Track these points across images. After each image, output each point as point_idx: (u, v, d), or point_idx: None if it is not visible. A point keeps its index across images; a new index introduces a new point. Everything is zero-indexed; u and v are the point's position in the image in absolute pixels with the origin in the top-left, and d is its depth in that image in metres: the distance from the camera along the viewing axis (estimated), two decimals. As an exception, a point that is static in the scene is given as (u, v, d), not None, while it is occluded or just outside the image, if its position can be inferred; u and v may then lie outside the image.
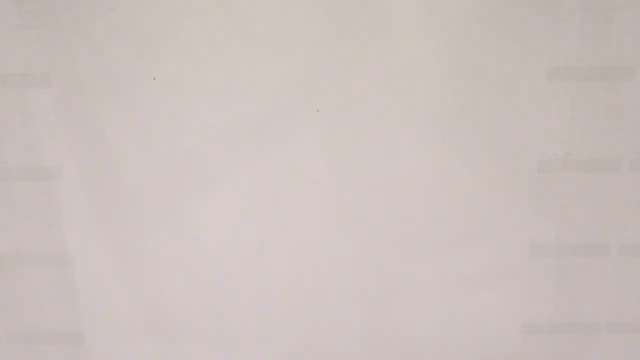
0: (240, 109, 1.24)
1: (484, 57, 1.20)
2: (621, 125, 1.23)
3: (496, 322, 1.38)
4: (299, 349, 1.42)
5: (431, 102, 1.23)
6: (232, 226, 1.33)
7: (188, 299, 1.38)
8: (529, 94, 1.22)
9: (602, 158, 1.25)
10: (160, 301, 1.39)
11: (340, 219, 1.32)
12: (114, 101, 1.24)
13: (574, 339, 1.39)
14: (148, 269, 1.36)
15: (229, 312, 1.39)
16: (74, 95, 1.24)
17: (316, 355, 1.42)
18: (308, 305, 1.38)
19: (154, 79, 1.22)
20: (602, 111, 1.22)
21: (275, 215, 1.32)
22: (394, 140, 1.25)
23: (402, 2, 1.17)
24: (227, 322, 1.40)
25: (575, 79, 1.20)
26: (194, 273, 1.37)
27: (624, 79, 1.20)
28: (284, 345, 1.42)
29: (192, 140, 1.27)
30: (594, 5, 1.16)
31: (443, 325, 1.39)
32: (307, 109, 1.24)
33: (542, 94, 1.21)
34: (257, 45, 1.20)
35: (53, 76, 1.23)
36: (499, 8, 1.17)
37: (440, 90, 1.22)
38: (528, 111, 1.23)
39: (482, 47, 1.19)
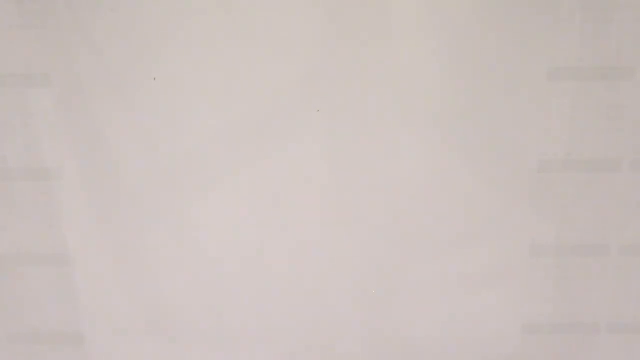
0: (240, 109, 1.24)
1: (484, 57, 1.20)
2: (621, 125, 1.23)
3: (496, 322, 1.38)
4: (299, 349, 1.42)
5: (431, 102, 1.23)
6: (232, 226, 1.33)
7: (188, 299, 1.38)
8: (529, 94, 1.22)
9: (602, 158, 1.25)
10: (160, 301, 1.39)
11: (340, 219, 1.32)
12: (114, 101, 1.24)
13: (574, 339, 1.39)
14: (148, 269, 1.36)
15: (229, 312, 1.39)
16: (74, 95, 1.24)
17: (316, 355, 1.42)
18: (308, 305, 1.38)
19: (154, 79, 1.22)
20: (602, 111, 1.22)
21: (275, 215, 1.32)
22: (394, 140, 1.25)
23: (402, 2, 1.17)
24: (227, 322, 1.40)
25: (575, 79, 1.20)
26: (194, 273, 1.37)
27: (624, 79, 1.20)
28: (284, 345, 1.42)
29: (192, 140, 1.27)
30: (594, 5, 1.16)
31: (443, 325, 1.39)
32: (307, 109, 1.24)
33: (542, 94, 1.21)
34: (257, 45, 1.20)
35: (53, 76, 1.23)
36: (499, 8, 1.17)
37: (440, 90, 1.22)
38: (528, 111, 1.23)
39: (482, 47, 1.19)
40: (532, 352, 1.40)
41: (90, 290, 1.38)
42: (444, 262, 1.34)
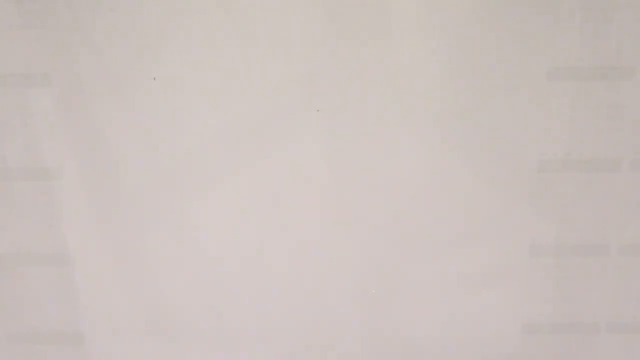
0: (240, 109, 1.24)
1: (484, 57, 1.20)
2: (621, 125, 1.23)
3: (496, 322, 1.38)
4: (299, 349, 1.42)
5: (431, 102, 1.23)
6: (232, 226, 1.33)
7: (188, 299, 1.38)
8: (529, 94, 1.22)
9: (602, 158, 1.25)
10: (160, 301, 1.39)
11: (340, 219, 1.32)
12: (114, 101, 1.24)
13: (574, 339, 1.39)
14: (148, 269, 1.36)
15: (229, 312, 1.39)
16: (74, 95, 1.24)
17: (316, 355, 1.42)
18: (308, 305, 1.38)
19: (154, 79, 1.22)
20: (602, 111, 1.22)
21: (275, 215, 1.32)
22: (394, 140, 1.25)
23: (402, 2, 1.17)
24: (227, 322, 1.40)
25: (575, 79, 1.20)
26: (194, 273, 1.37)
27: (624, 79, 1.20)
28: (284, 345, 1.42)
29: (192, 140, 1.27)
30: (594, 5, 1.16)
31: (443, 325, 1.39)
32: (307, 109, 1.24)
33: (542, 94, 1.21)
34: (257, 45, 1.20)
35: (53, 76, 1.23)
36: (499, 8, 1.17)
37: (440, 90, 1.22)
38: (528, 111, 1.23)
39: (482, 47, 1.19)
40: (532, 352, 1.40)
41: (90, 290, 1.38)
42: (444, 262, 1.34)
